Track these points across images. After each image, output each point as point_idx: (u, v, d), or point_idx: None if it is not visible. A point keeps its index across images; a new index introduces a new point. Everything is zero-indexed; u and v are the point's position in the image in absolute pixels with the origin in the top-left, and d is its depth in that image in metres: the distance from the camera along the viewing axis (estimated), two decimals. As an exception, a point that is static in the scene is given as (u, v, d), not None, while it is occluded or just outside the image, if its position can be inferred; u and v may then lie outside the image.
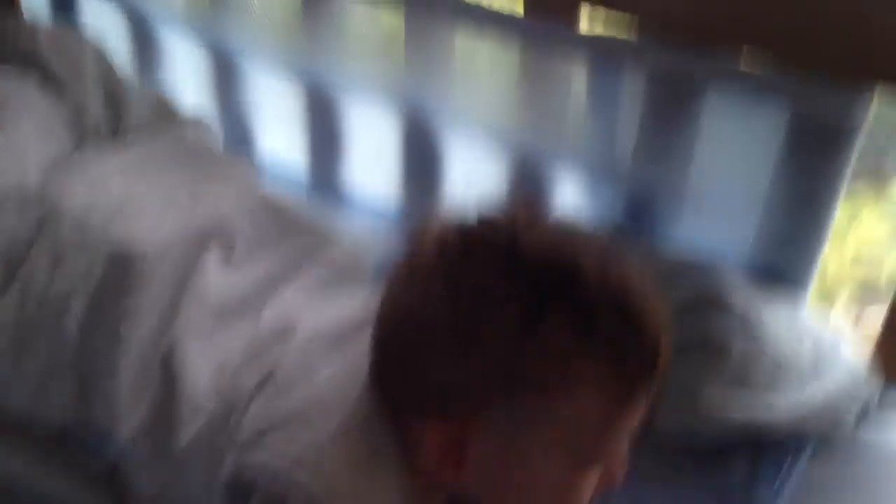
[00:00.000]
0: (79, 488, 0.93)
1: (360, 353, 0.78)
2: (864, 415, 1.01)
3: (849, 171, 0.97)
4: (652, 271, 1.01)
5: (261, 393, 0.81)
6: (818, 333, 1.02)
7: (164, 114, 1.24)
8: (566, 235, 0.71)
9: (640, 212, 1.11)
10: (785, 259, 1.04)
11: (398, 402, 0.73)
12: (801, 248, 1.02)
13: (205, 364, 0.87)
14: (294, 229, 1.05)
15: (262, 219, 1.05)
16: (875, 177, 1.98)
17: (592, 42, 1.05)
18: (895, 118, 1.25)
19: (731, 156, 1.03)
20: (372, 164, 1.30)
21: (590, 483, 0.74)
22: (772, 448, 0.98)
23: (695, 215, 1.08)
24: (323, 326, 0.86)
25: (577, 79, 1.07)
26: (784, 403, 0.97)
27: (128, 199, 1.01)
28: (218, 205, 1.03)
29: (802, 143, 0.97)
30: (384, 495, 0.73)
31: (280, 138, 1.38)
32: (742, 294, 1.01)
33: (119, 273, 0.92)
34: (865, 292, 1.81)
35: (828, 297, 1.78)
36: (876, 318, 1.10)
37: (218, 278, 0.95)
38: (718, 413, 0.95)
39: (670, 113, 1.02)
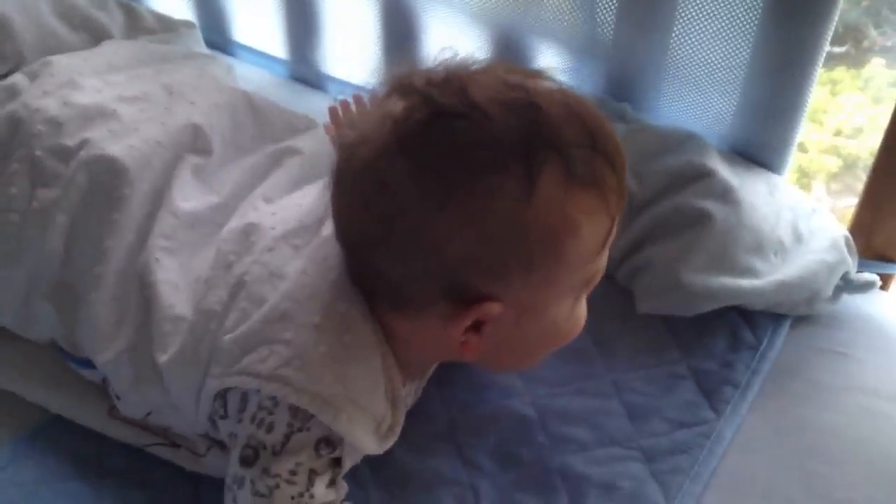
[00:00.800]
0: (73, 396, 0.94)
1: (323, 242, 0.80)
2: (843, 287, 1.03)
3: (828, 39, 0.97)
4: (640, 142, 1.04)
5: (234, 302, 0.81)
6: (797, 206, 1.04)
7: (136, 21, 1.20)
8: (508, 78, 0.72)
9: (621, 86, 1.11)
10: (764, 133, 1.04)
11: (399, 294, 0.75)
12: (781, 120, 1.02)
13: (181, 278, 0.86)
14: (270, 131, 1.03)
15: (238, 119, 1.02)
16: (853, 59, 1.98)
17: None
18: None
19: (711, 25, 1.01)
20: (350, 45, 1.29)
21: (583, 304, 0.81)
22: (749, 328, 1.01)
23: (675, 89, 1.08)
24: (290, 225, 0.85)
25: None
26: (766, 274, 0.98)
27: (103, 103, 0.96)
28: (194, 108, 0.99)
29: (782, 9, 0.97)
30: (370, 382, 0.76)
31: (257, 26, 1.35)
32: (724, 167, 1.02)
33: (106, 186, 0.89)
34: (844, 172, 1.83)
35: (806, 178, 1.80)
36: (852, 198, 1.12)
37: (192, 189, 0.93)
38: (701, 288, 0.97)
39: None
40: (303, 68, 1.36)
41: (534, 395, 0.97)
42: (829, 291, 1.01)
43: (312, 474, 0.76)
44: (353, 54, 1.29)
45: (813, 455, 0.91)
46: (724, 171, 1.01)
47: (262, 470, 0.75)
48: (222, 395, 0.80)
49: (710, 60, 1.04)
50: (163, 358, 0.82)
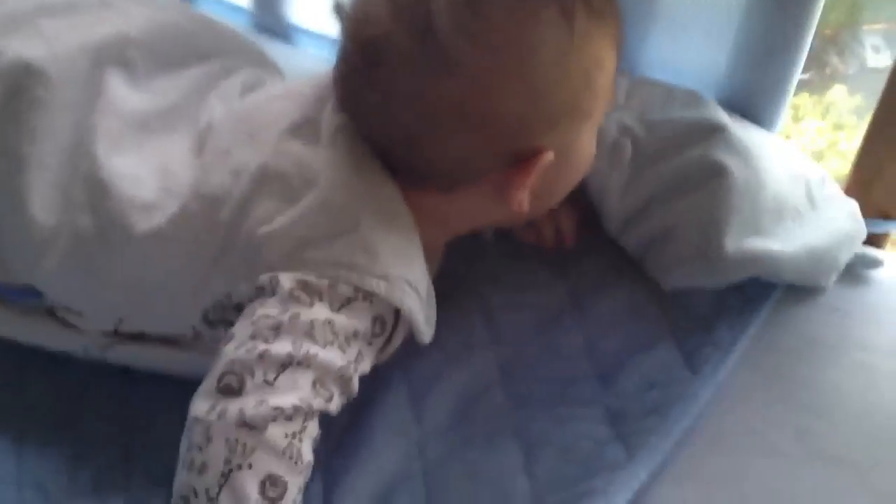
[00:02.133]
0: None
1: (339, 134, 0.77)
2: (854, 261, 0.97)
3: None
4: (645, 94, 0.96)
5: (258, 194, 0.76)
6: (808, 171, 0.97)
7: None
8: None
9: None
10: (761, 79, 0.96)
11: (448, 176, 0.77)
12: (778, 64, 0.94)
13: (140, 168, 0.80)
14: (217, 47, 0.95)
15: (180, 35, 0.93)
16: (815, 86, 1.99)
17: None
18: None
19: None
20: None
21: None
22: (736, 292, 0.93)
23: (664, 34, 1.00)
24: (293, 117, 0.81)
25: None
26: (788, 241, 0.91)
27: (21, 12, 0.87)
28: (128, 20, 0.91)
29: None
30: (420, 267, 0.76)
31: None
32: (735, 125, 0.94)
33: (20, 89, 0.81)
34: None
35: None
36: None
37: (131, 94, 0.86)
38: (739, 255, 0.89)
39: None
40: (268, 18, 1.28)
41: (497, 350, 0.90)
42: (846, 262, 0.95)
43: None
44: (321, 3, 1.22)
45: (806, 410, 0.86)
46: (737, 129, 0.93)
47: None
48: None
49: (702, 4, 0.97)
50: (143, 227, 0.77)
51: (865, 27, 2.04)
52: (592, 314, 0.92)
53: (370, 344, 0.75)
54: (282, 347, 0.69)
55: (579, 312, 0.93)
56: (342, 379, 0.71)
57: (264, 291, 0.72)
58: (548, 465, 0.80)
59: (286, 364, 0.68)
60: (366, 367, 0.74)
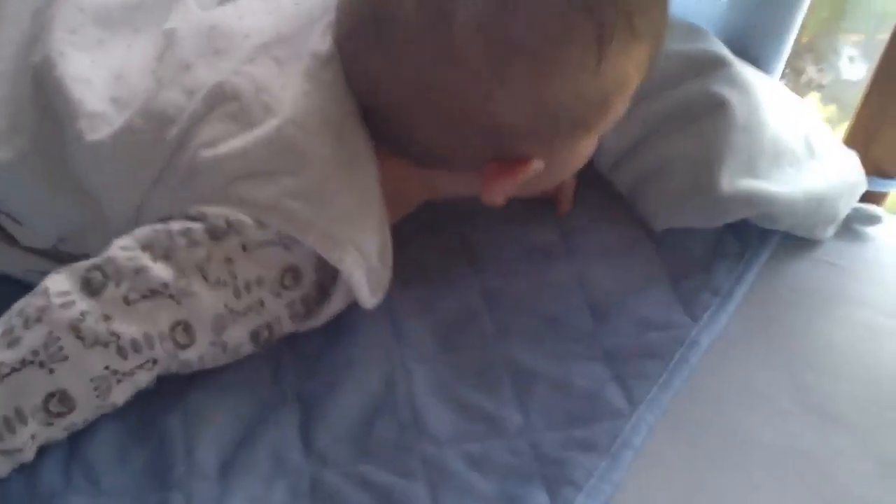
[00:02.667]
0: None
1: (318, 64, 0.71)
2: (852, 215, 0.93)
3: None
4: None
5: (211, 113, 0.69)
6: (807, 117, 0.93)
7: None
8: None
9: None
10: (757, 28, 0.92)
11: (429, 154, 0.72)
12: (775, 12, 0.90)
13: (93, 74, 0.74)
14: None
15: None
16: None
17: None
18: None
19: None
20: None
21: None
22: (734, 236, 0.89)
23: None
24: (267, 35, 0.74)
25: None
26: (786, 185, 0.87)
27: None
28: None
29: None
30: (372, 229, 0.70)
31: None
32: (738, 62, 0.90)
33: None
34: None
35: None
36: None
37: None
38: (734, 193, 0.84)
39: None
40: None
41: (483, 279, 0.84)
42: (845, 213, 0.91)
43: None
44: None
45: (804, 365, 0.82)
46: (739, 65, 0.89)
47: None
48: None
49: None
50: (91, 137, 0.70)
51: (842, 37, 2.03)
52: (582, 251, 0.87)
53: (278, 296, 0.69)
54: (163, 273, 0.64)
55: (569, 248, 0.87)
56: (219, 326, 0.67)
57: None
58: (542, 400, 0.75)
59: (157, 292, 0.64)
60: (277, 323, 0.70)
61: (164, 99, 0.71)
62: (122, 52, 0.76)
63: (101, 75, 0.74)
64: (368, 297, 0.71)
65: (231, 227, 0.66)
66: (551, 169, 0.73)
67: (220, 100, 0.70)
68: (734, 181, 0.84)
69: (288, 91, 0.69)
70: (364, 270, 0.69)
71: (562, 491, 0.69)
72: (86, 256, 0.74)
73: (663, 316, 0.82)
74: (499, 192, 0.73)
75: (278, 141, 0.67)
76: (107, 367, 0.62)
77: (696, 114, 0.85)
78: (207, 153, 0.67)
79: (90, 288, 0.63)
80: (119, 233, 0.71)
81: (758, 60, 0.92)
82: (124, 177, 0.71)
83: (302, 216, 0.66)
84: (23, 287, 0.67)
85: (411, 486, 0.69)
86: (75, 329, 0.61)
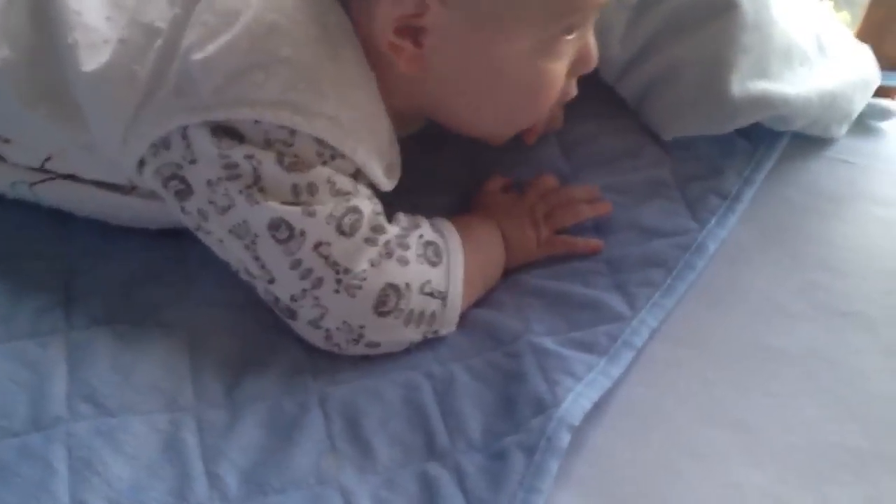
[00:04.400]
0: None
1: None
2: (866, 111, 0.90)
3: None
4: None
5: (191, 16, 0.66)
6: (814, 13, 0.89)
7: None
8: None
9: None
10: None
11: None
12: None
13: None
14: None
15: None
16: None
17: None
18: None
19: None
20: None
21: (557, 74, 0.70)
22: (743, 136, 0.86)
23: None
24: None
25: None
26: (799, 84, 0.83)
27: None
28: None
29: None
30: (375, 107, 0.69)
31: None
32: None
33: None
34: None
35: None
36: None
37: None
38: (745, 97, 0.81)
39: None
40: None
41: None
42: (859, 110, 0.88)
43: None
44: None
45: (816, 265, 0.80)
46: None
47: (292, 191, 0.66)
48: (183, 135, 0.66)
49: None
50: (87, 68, 0.67)
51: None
52: (583, 161, 0.85)
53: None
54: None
55: (572, 157, 0.85)
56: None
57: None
58: (541, 310, 0.74)
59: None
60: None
61: (150, 10, 0.69)
62: None
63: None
64: (385, 182, 0.71)
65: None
66: (474, 59, 0.68)
67: (194, 1, 0.67)
68: (745, 84, 0.81)
69: None
70: (378, 157, 0.69)
71: (561, 380, 0.68)
72: (72, 176, 0.73)
73: (668, 223, 0.80)
74: (393, 34, 0.66)
75: (258, 27, 0.65)
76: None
77: (703, 15, 0.82)
78: (198, 55, 0.65)
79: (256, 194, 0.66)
80: (106, 155, 0.70)
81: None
82: (115, 97, 0.68)
83: (309, 106, 0.65)
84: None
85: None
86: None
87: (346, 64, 0.67)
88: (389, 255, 0.69)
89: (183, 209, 0.69)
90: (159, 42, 0.67)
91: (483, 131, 0.77)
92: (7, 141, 0.74)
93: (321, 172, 0.66)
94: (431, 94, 0.72)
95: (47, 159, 0.74)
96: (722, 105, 0.81)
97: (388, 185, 0.71)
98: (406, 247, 0.70)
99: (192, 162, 0.66)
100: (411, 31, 0.66)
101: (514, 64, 0.69)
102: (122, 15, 0.69)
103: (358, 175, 0.69)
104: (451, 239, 0.73)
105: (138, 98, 0.67)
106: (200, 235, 0.71)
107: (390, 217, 0.72)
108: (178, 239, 0.76)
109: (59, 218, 0.79)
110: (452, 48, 0.67)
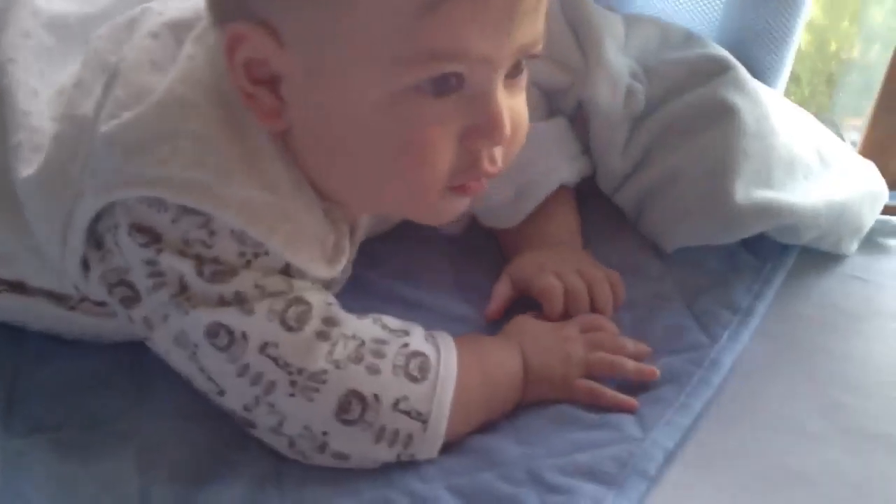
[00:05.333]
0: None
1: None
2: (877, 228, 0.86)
3: None
4: (641, 35, 0.85)
5: (107, 96, 0.63)
6: (814, 127, 0.86)
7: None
8: None
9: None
10: (765, 16, 0.85)
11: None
12: (777, 14, 0.85)
13: (41, 85, 0.69)
14: None
15: None
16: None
17: None
18: None
19: None
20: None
21: (427, 137, 0.60)
22: (749, 252, 0.82)
23: None
24: (185, 14, 0.68)
25: None
26: (804, 196, 0.80)
27: None
28: None
29: None
30: (293, 187, 0.63)
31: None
32: (742, 67, 0.84)
33: None
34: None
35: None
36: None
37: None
38: (751, 205, 0.77)
39: None
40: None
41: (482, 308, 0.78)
42: (870, 224, 0.84)
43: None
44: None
45: (836, 384, 0.74)
46: (744, 71, 0.83)
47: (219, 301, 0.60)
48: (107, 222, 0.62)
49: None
50: (23, 173, 0.64)
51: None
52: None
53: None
54: None
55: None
56: None
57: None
58: (543, 430, 0.67)
59: None
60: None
61: (85, 104, 0.65)
62: (70, 67, 0.70)
63: (47, 91, 0.69)
64: (324, 269, 0.64)
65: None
66: (325, 104, 0.60)
67: (113, 79, 0.63)
68: (749, 191, 0.77)
69: (180, 59, 0.63)
70: (308, 242, 0.63)
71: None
72: (21, 286, 0.68)
73: (679, 339, 0.74)
74: (242, 78, 0.59)
75: (168, 98, 0.60)
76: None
77: (704, 122, 0.79)
78: (104, 129, 0.60)
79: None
80: (51, 258, 0.65)
81: (757, 69, 0.86)
82: (52, 197, 0.64)
83: (219, 187, 0.59)
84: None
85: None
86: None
87: (257, 141, 0.61)
88: (358, 359, 0.62)
89: (130, 318, 0.63)
90: (87, 133, 0.63)
91: (373, 204, 0.69)
92: None
93: (246, 279, 0.61)
94: (311, 163, 0.63)
95: None
96: (726, 212, 0.77)
97: (326, 271, 0.65)
98: (380, 354, 0.63)
99: (129, 267, 0.62)
100: (268, 81, 0.60)
101: (370, 118, 0.59)
102: (62, 110, 0.66)
103: (290, 268, 0.63)
104: (447, 356, 0.65)
105: (73, 195, 0.62)
106: (150, 346, 0.65)
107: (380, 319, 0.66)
108: (133, 344, 0.69)
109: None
110: (305, 98, 0.60)
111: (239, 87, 0.60)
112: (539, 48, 0.61)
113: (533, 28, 0.59)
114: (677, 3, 0.89)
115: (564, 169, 0.81)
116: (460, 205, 0.66)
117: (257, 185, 0.61)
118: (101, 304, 0.67)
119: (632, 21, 0.86)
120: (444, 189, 0.62)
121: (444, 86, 0.58)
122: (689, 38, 0.85)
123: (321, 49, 0.58)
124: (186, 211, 0.59)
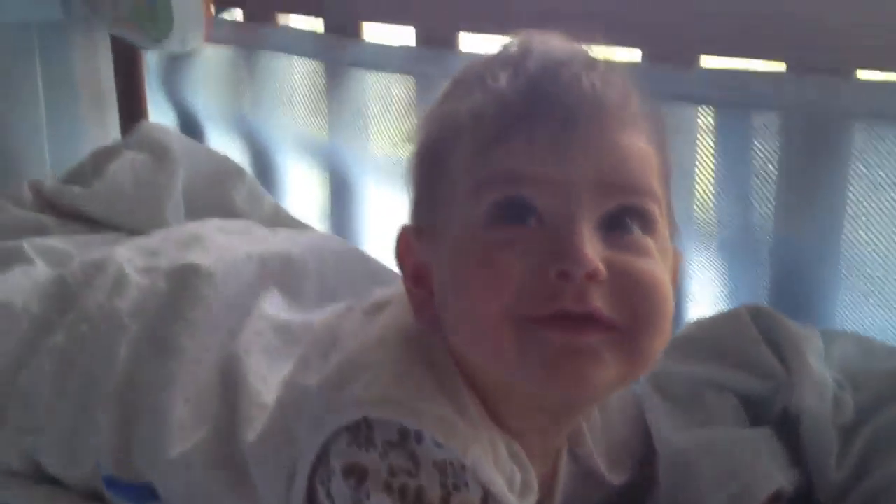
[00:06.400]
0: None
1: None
2: None
3: None
4: (843, 349, 0.85)
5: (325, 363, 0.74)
6: None
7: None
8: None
9: (789, 288, 0.94)
10: None
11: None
12: None
13: (269, 374, 0.82)
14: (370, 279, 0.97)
15: (342, 267, 0.99)
16: None
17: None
18: None
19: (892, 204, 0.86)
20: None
21: (495, 241, 0.62)
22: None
23: (851, 293, 0.90)
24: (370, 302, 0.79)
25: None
26: None
27: (200, 232, 0.99)
28: (294, 243, 0.99)
29: None
30: (476, 420, 0.66)
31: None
32: None
33: (187, 287, 0.88)
34: None
35: None
36: None
37: (284, 306, 0.91)
38: None
39: (814, 158, 0.88)
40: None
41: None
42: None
43: None
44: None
45: None
46: None
47: None
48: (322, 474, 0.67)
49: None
50: (251, 437, 0.76)
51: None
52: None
53: None
54: None
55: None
56: None
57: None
58: None
59: None
60: None
61: (306, 373, 0.75)
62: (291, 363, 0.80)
63: (274, 379, 0.80)
64: (513, 499, 0.66)
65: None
66: (440, 267, 0.67)
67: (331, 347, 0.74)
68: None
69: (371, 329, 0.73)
70: (495, 465, 0.65)
71: None
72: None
73: None
74: (421, 309, 0.68)
75: (367, 343, 0.70)
76: None
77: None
78: (317, 380, 0.70)
79: None
80: None
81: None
82: (277, 457, 0.73)
83: (415, 403, 0.64)
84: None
85: None
86: None
87: (446, 369, 0.67)
88: None
89: None
90: (311, 395, 0.71)
91: (475, 351, 0.67)
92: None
93: None
94: (452, 342, 0.68)
95: None
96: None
97: (516, 502, 0.66)
98: None
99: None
100: (424, 279, 0.68)
101: (452, 257, 0.65)
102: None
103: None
104: None
105: (296, 454, 0.70)
106: None
107: None
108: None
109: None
110: (434, 267, 0.67)
111: (406, 286, 0.69)
112: (639, 200, 0.63)
113: (601, 161, 0.61)
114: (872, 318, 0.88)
115: (779, 474, 0.78)
116: (557, 353, 0.61)
117: (450, 407, 0.65)
118: None
119: (830, 335, 0.85)
120: (516, 318, 0.61)
121: (510, 210, 0.61)
122: (894, 352, 0.84)
123: (433, 216, 0.67)
124: (392, 446, 0.63)
